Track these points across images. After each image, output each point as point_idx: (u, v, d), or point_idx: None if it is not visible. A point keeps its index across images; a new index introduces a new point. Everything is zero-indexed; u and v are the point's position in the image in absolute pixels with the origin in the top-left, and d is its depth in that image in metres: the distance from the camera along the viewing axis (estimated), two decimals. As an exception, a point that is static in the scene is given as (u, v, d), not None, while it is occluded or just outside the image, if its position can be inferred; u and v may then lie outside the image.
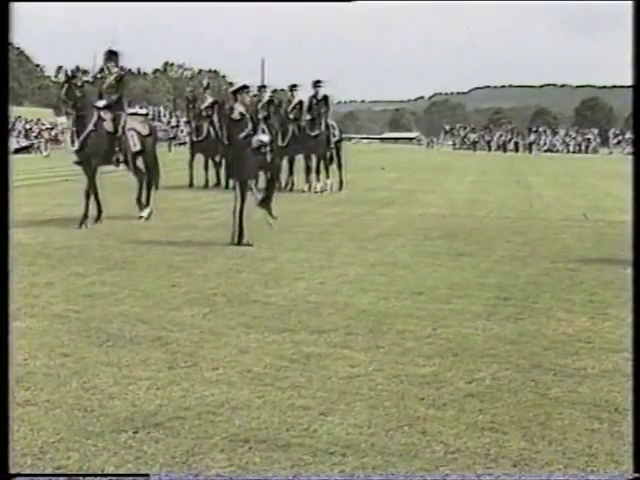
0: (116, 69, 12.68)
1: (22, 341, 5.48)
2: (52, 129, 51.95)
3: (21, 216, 11.76)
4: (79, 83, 11.93)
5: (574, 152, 72.34)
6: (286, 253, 9.71)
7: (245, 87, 10.85)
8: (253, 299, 7.11)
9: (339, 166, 19.82)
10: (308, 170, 19.73)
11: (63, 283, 7.68)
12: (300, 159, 19.91)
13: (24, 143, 44.44)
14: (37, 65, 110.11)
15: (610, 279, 8.28)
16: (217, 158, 20.15)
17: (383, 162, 34.61)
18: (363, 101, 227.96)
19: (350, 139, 67.15)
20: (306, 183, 19.58)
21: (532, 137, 77.28)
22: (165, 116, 76.70)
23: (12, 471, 3.45)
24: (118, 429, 4.06)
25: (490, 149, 73.77)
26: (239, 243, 10.19)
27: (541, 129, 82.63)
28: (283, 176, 19.76)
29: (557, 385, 4.90)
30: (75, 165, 12.36)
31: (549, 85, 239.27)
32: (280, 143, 18.86)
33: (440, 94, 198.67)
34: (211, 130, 20.26)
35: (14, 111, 51.53)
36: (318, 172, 19.54)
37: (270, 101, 19.56)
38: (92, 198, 12.01)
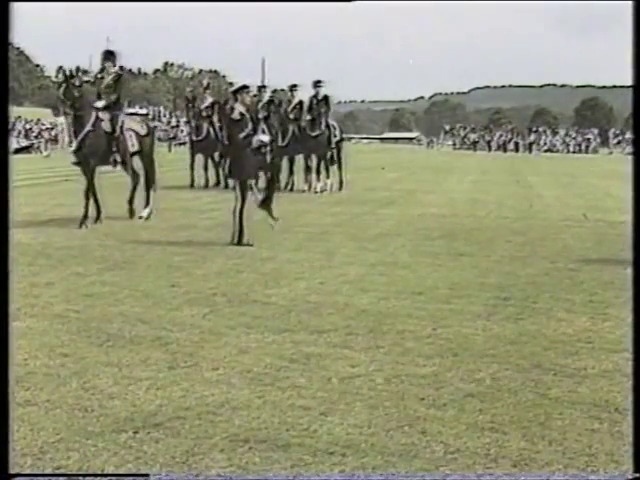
0: (114, 69, 12.65)
1: (22, 341, 5.48)
2: (52, 129, 51.95)
3: (21, 216, 11.76)
4: (77, 83, 11.91)
5: (574, 152, 72.32)
6: (286, 253, 9.71)
7: (245, 87, 10.84)
8: (253, 299, 7.11)
9: (339, 166, 19.82)
10: (308, 170, 19.73)
11: (63, 283, 7.68)
12: (300, 159, 19.91)
13: (24, 143, 44.45)
14: (37, 65, 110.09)
15: (610, 279, 8.28)
16: (217, 158, 20.15)
17: (383, 162, 34.61)
18: (363, 101, 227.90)
19: (350, 139, 67.14)
20: (305, 183, 19.58)
21: (532, 137, 77.24)
22: (165, 116, 76.70)
23: (12, 471, 3.45)
24: (118, 429, 4.06)
25: (490, 149, 73.74)
26: (239, 243, 10.19)
27: (541, 129, 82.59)
28: (283, 176, 19.78)
29: (557, 385, 4.90)
30: (74, 165, 12.34)
31: (549, 85, 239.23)
32: (280, 143, 18.87)
33: (440, 94, 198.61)
34: (211, 130, 20.25)
35: (14, 111, 51.58)
36: (318, 172, 19.53)
37: (270, 101, 19.56)
38: (98, 197, 12.02)
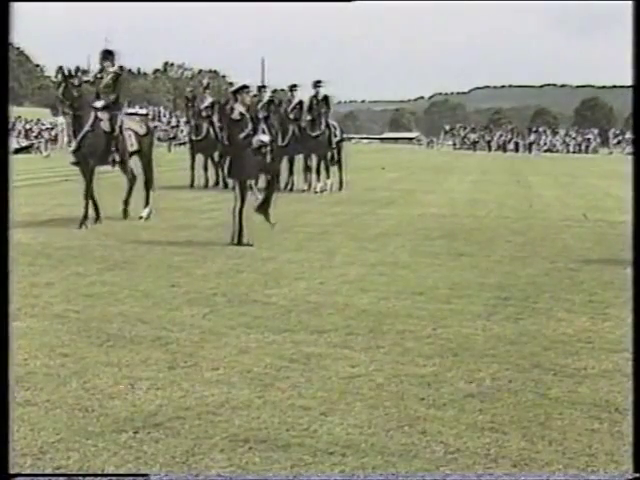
0: (113, 68, 12.62)
1: (22, 341, 5.48)
2: (52, 129, 51.95)
3: (21, 216, 11.76)
4: (76, 83, 11.89)
5: (574, 152, 72.30)
6: (286, 253, 9.71)
7: (245, 87, 10.85)
8: (253, 299, 7.11)
9: (339, 166, 19.82)
10: (308, 170, 19.74)
11: (63, 283, 7.68)
12: (300, 159, 19.91)
13: (24, 143, 44.43)
14: (37, 65, 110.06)
15: (610, 279, 8.28)
16: (217, 158, 20.15)
17: (383, 162, 34.60)
18: (363, 101, 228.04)
19: (350, 139, 67.14)
20: (305, 182, 19.58)
21: (532, 137, 77.21)
22: (165, 116, 76.66)
23: (12, 471, 3.45)
24: (118, 429, 4.06)
25: (490, 149, 73.72)
26: (239, 243, 10.20)
27: (541, 129, 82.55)
28: (283, 176, 19.79)
29: (557, 385, 4.90)
30: (73, 165, 12.31)
31: (549, 85, 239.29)
32: (280, 143, 18.85)
33: (440, 94, 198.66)
34: (210, 130, 20.25)
35: (14, 111, 51.57)
36: (318, 172, 19.53)
37: (270, 101, 19.55)
38: (95, 198, 12.00)
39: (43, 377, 4.85)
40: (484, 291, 7.66)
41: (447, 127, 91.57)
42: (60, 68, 11.98)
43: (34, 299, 6.88)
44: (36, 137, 49.24)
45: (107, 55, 12.63)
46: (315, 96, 19.43)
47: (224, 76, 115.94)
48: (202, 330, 6.01)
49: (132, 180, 12.93)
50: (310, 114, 19.38)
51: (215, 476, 3.60)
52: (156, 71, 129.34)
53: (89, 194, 11.96)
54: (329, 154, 19.65)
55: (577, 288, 7.92)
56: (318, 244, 10.54)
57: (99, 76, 12.58)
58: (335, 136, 19.78)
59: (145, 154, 13.10)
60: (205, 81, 23.59)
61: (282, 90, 23.90)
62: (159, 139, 55.31)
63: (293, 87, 19.99)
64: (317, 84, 19.55)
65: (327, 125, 19.49)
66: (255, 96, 17.75)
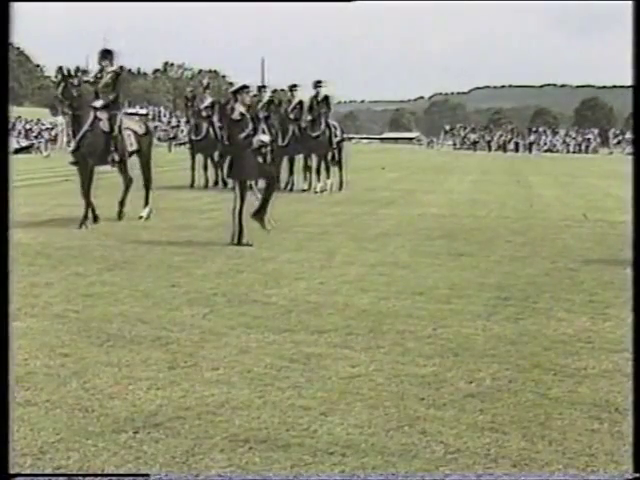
0: (111, 68, 12.58)
1: (22, 341, 5.48)
2: (52, 129, 51.95)
3: (21, 216, 11.76)
4: (75, 82, 11.87)
5: (574, 152, 72.31)
6: (286, 253, 9.71)
7: (245, 87, 10.84)
8: (253, 299, 7.11)
9: (340, 166, 19.82)
10: (308, 170, 19.74)
11: (63, 283, 7.68)
12: (300, 159, 19.91)
13: (24, 143, 44.44)
14: (37, 65, 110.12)
15: (610, 279, 8.28)
16: (216, 158, 20.15)
17: (383, 162, 34.61)
18: (363, 101, 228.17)
19: (350, 139, 67.17)
20: (305, 181, 19.57)
21: (532, 137, 77.23)
22: (165, 116, 76.70)
23: (12, 471, 3.45)
24: (118, 429, 4.06)
25: (490, 149, 73.73)
26: (239, 243, 10.20)
27: (541, 129, 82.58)
28: (283, 176, 19.80)
29: (557, 385, 4.90)
30: (72, 165, 12.27)
31: (549, 85, 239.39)
32: (280, 143, 18.86)
33: (440, 94, 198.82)
34: (210, 130, 20.24)
35: (14, 111, 51.60)
36: (318, 172, 19.54)
37: (270, 101, 19.56)
38: (91, 198, 11.98)
39: (43, 377, 4.85)
40: (484, 291, 7.66)
41: (447, 127, 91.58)
42: (60, 68, 11.95)
43: (34, 299, 6.88)
44: (36, 137, 49.25)
45: (106, 54, 12.59)
46: (315, 96, 19.43)
47: (224, 76, 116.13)
48: (202, 330, 6.01)
49: (129, 182, 12.87)
50: (310, 114, 19.37)
51: (215, 476, 3.60)
52: (156, 71, 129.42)
53: (89, 194, 11.92)
54: (330, 154, 19.65)
55: (577, 288, 7.92)
56: (318, 244, 10.54)
57: (99, 76, 12.56)
58: (336, 136, 19.78)
59: (144, 154, 13.08)
60: (205, 81, 23.57)
61: (282, 90, 23.91)
62: (159, 139, 55.35)
63: (293, 87, 19.99)
64: (317, 84, 19.55)
65: (327, 125, 19.48)
66: (255, 96, 17.75)
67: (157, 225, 12.17)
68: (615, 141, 77.61)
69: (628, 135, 68.20)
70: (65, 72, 11.87)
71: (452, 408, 4.46)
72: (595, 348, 5.74)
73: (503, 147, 73.59)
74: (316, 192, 18.85)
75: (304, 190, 19.18)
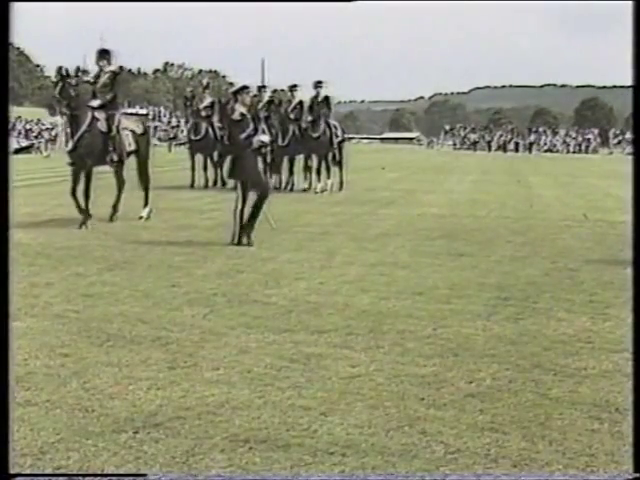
0: (109, 68, 12.54)
1: (22, 341, 5.48)
2: (52, 129, 51.92)
3: (21, 216, 11.76)
4: (74, 82, 11.83)
5: (574, 152, 72.33)
6: (286, 253, 9.71)
7: (245, 87, 10.84)
8: (253, 299, 7.11)
9: (340, 166, 19.82)
10: (308, 170, 19.73)
11: (63, 283, 7.68)
12: (301, 159, 19.90)
13: (24, 143, 44.44)
14: (37, 65, 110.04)
15: (610, 279, 8.28)
16: (215, 158, 20.15)
17: (383, 162, 34.62)
18: (363, 101, 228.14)
19: (350, 139, 67.15)
20: (305, 180, 19.57)
21: (532, 137, 77.26)
22: (165, 116, 76.69)
23: (12, 471, 3.45)
24: (118, 429, 4.06)
25: (490, 149, 73.75)
26: (239, 243, 10.19)
27: (541, 129, 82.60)
28: (283, 176, 19.81)
29: (557, 385, 4.90)
30: (69, 166, 12.17)
31: (549, 85, 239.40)
32: (280, 143, 18.87)
33: (440, 94, 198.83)
34: (209, 130, 20.24)
35: (14, 111, 51.58)
36: (319, 172, 19.54)
37: (270, 101, 19.57)
38: (91, 198, 11.95)
39: (43, 377, 4.85)
40: (484, 291, 7.66)
41: (447, 127, 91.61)
42: (60, 68, 11.92)
43: (34, 299, 6.88)
44: (36, 137, 49.26)
45: (103, 54, 12.54)
46: (316, 97, 19.42)
47: (224, 76, 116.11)
48: (202, 330, 6.01)
49: (122, 184, 12.72)
50: (311, 115, 19.37)
51: (215, 476, 3.60)
52: (156, 71, 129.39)
53: (89, 194, 11.89)
54: (330, 154, 19.65)
55: (577, 288, 7.92)
56: (318, 244, 10.54)
57: (98, 76, 12.52)
58: (336, 136, 19.78)
59: (142, 154, 13.03)
60: (205, 81, 23.58)
61: (282, 90, 23.90)
62: (159, 139, 55.40)
63: (293, 87, 19.98)
64: (318, 84, 19.54)
65: (328, 125, 19.47)
66: (255, 96, 17.75)
67: (157, 225, 12.17)
68: (615, 141, 77.63)
69: (628, 135, 68.21)
70: (63, 72, 11.83)
71: (452, 408, 4.46)
72: (595, 348, 5.74)
73: (503, 147, 73.60)
74: (316, 192, 18.85)
75: (304, 190, 19.18)
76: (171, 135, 59.50)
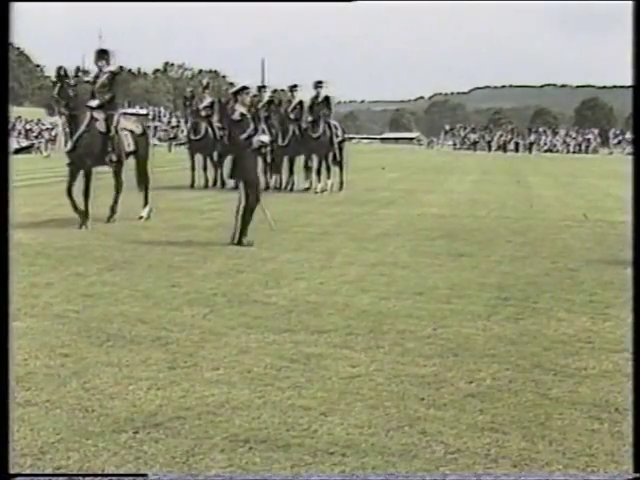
0: (108, 68, 12.51)
1: (22, 341, 5.48)
2: (52, 129, 51.88)
3: (21, 216, 11.76)
4: (72, 82, 11.81)
5: (574, 152, 72.31)
6: (286, 253, 9.71)
7: (245, 88, 10.86)
8: (253, 299, 7.11)
9: (340, 166, 19.82)
10: (308, 170, 19.73)
11: (63, 283, 7.68)
12: (301, 159, 19.90)
13: (24, 143, 44.43)
14: (37, 65, 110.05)
15: (610, 279, 8.28)
16: (215, 158, 20.14)
17: (383, 162, 34.62)
18: (363, 101, 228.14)
19: (351, 139, 67.12)
20: (306, 180, 19.56)
21: (532, 137, 77.22)
22: (165, 116, 76.67)
23: (12, 471, 3.45)
24: (118, 429, 4.06)
25: (490, 149, 73.72)
26: (239, 243, 10.19)
27: (541, 129, 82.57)
28: (283, 176, 19.81)
29: (557, 385, 4.90)
30: (68, 167, 12.14)
31: (549, 85, 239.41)
32: (280, 143, 18.88)
33: (440, 94, 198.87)
34: (209, 129, 20.22)
35: (14, 111, 51.54)
36: (319, 172, 19.54)
37: (270, 101, 19.59)
38: (91, 198, 11.94)
39: (43, 377, 4.85)
40: (484, 291, 7.66)
41: (447, 127, 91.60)
42: (64, 68, 11.90)
43: (34, 299, 6.88)
44: (36, 137, 49.25)
45: (102, 55, 12.50)
46: (316, 97, 19.42)
47: (224, 76, 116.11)
48: (202, 330, 6.01)
49: (120, 186, 12.66)
50: (311, 115, 19.37)
51: (215, 476, 3.60)
52: (156, 71, 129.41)
53: (89, 194, 11.88)
54: (331, 154, 19.64)
55: (577, 288, 7.92)
56: (318, 244, 10.54)
57: (97, 76, 12.49)
58: (337, 136, 19.78)
59: (141, 154, 13.02)
60: (205, 81, 23.58)
61: (282, 90, 23.91)
62: (159, 139, 55.38)
63: (293, 87, 19.98)
64: (318, 85, 19.54)
65: (328, 126, 19.47)
66: (255, 96, 17.77)
67: (157, 225, 12.17)
68: (615, 141, 77.62)
69: (628, 135, 68.20)
70: (61, 72, 11.78)
71: (452, 408, 4.46)
72: (595, 348, 5.74)
73: (503, 147, 73.57)
74: (316, 192, 18.85)
75: (304, 190, 19.17)
76: (171, 135, 59.46)
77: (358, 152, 43.28)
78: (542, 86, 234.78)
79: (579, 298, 7.42)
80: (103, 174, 12.84)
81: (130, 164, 13.09)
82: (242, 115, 10.51)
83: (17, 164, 17.09)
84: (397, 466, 3.71)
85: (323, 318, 6.45)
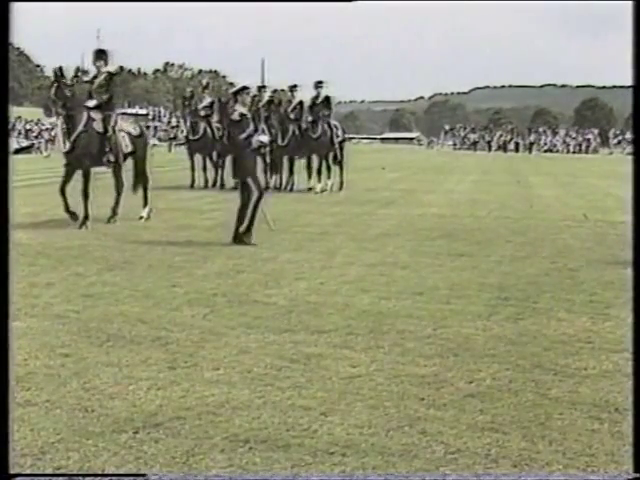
0: (106, 68, 12.49)
1: (22, 341, 5.48)
2: (52, 129, 51.86)
3: (21, 216, 11.77)
4: (69, 82, 11.79)
5: (574, 152, 72.30)
6: (286, 253, 9.71)
7: (245, 88, 10.86)
8: (253, 299, 7.11)
9: (340, 166, 19.82)
10: (309, 170, 19.73)
11: (63, 283, 7.68)
12: (300, 159, 19.89)
13: (24, 143, 44.43)
14: (37, 65, 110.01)
15: (610, 279, 8.28)
16: (214, 158, 20.14)
17: (383, 162, 34.62)
18: (363, 101, 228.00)
19: (351, 139, 67.13)
20: (308, 180, 19.56)
21: (532, 137, 77.21)
22: (165, 116, 76.63)
23: (12, 471, 3.45)
24: (118, 429, 4.06)
25: (490, 149, 73.71)
26: (239, 243, 10.19)
27: (541, 129, 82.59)
28: (283, 176, 19.80)
29: (557, 385, 4.90)
30: (65, 167, 12.11)
31: (549, 85, 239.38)
32: (280, 143, 18.87)
33: (440, 94, 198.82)
34: (207, 129, 20.21)
35: (14, 111, 51.55)
36: (319, 172, 19.54)
37: (270, 101, 19.58)
38: (91, 198, 11.94)
39: (43, 377, 4.85)
40: (484, 291, 7.66)
41: (447, 127, 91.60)
42: (60, 68, 11.89)
43: (34, 299, 6.88)
44: (36, 137, 49.25)
45: (100, 55, 12.46)
46: (316, 97, 19.42)
47: (224, 76, 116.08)
48: (202, 330, 6.01)
49: (121, 187, 12.68)
50: (311, 115, 19.37)
51: (215, 476, 3.60)
52: (156, 71, 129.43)
53: (88, 193, 11.87)
54: (331, 154, 19.65)
55: (577, 288, 7.92)
56: (318, 244, 10.54)
57: (95, 76, 12.47)
58: (337, 136, 19.78)
59: (140, 155, 12.99)
60: (204, 81, 23.56)
61: (282, 90, 23.91)
62: (159, 139, 55.40)
63: (293, 87, 19.98)
64: (318, 85, 19.55)
65: (329, 126, 19.47)
66: (255, 96, 17.77)
67: (157, 225, 12.17)
68: (615, 141, 77.60)
69: (628, 135, 68.19)
70: (58, 72, 11.74)
71: (452, 408, 4.46)
72: (595, 348, 5.74)
73: (503, 147, 73.56)
74: (316, 192, 18.85)
75: (304, 190, 19.17)
76: (171, 135, 59.33)
77: (358, 152, 43.28)
78: (542, 86, 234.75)
79: (579, 298, 7.42)
80: (103, 174, 12.84)
81: (130, 165, 13.10)
82: (242, 115, 10.51)
83: (17, 164, 17.09)
84: (397, 466, 3.71)
85: (323, 318, 6.45)
